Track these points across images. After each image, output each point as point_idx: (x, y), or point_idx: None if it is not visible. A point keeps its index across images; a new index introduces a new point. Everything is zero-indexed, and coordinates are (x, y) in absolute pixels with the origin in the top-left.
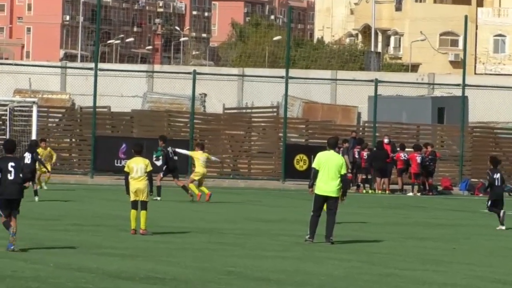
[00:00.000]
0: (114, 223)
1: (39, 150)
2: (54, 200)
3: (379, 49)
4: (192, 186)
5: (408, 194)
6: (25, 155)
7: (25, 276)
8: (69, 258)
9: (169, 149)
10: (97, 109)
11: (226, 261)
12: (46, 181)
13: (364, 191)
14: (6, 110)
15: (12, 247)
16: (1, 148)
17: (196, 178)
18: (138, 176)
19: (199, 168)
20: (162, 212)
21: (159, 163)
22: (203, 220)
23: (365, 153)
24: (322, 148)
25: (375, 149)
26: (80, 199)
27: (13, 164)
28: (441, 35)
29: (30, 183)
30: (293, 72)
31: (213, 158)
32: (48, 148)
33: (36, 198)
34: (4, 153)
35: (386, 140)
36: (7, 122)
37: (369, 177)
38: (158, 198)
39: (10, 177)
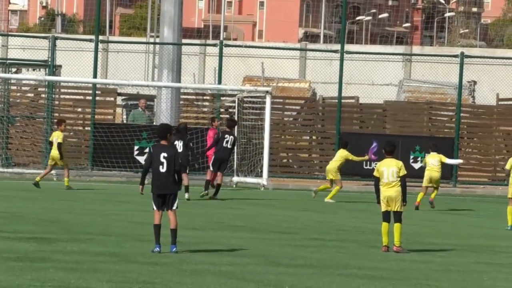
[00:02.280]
0: (363, 238)
1: (57, 134)
2: (291, 209)
3: None
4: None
5: None
6: (175, 142)
7: None
8: (309, 279)
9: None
10: (342, 101)
11: (498, 286)
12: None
13: None
14: (234, 102)
15: (174, 249)
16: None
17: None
18: (390, 181)
19: (428, 171)
20: (421, 226)
21: None
22: (470, 236)
23: None
24: None
25: None
26: (322, 209)
27: (165, 154)
28: None
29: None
30: None
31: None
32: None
33: (186, 195)
34: (159, 140)
35: None
36: (235, 116)
37: None
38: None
39: (162, 169)
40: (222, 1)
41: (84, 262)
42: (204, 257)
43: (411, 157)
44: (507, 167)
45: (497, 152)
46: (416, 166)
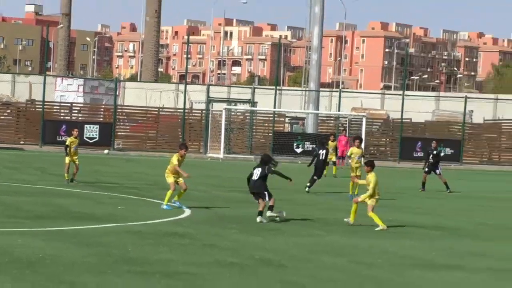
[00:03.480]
0: None
1: (71, 139)
2: None
3: None
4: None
5: None
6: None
7: (355, 225)
8: (384, 214)
9: None
10: (403, 120)
11: (484, 216)
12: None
13: None
14: (346, 121)
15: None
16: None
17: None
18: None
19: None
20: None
21: None
22: (470, 191)
23: None
24: None
25: None
26: None
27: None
28: None
29: None
30: None
31: None
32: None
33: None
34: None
35: None
36: (346, 128)
37: None
38: None
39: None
40: (341, 68)
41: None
42: (336, 202)
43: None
44: (348, 153)
45: (483, 147)
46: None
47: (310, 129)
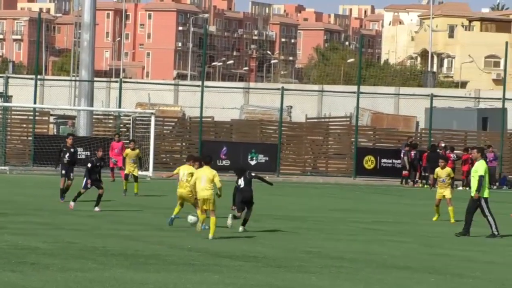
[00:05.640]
0: None
1: (128, 151)
2: (171, 192)
3: (435, 69)
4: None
5: (458, 188)
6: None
7: (144, 255)
8: (183, 239)
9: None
10: (203, 119)
11: (307, 243)
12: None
13: (420, 185)
14: (129, 120)
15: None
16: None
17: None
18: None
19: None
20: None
21: None
22: (289, 210)
23: (413, 153)
24: (387, 151)
25: (429, 151)
26: None
27: None
28: (486, 57)
29: None
30: (363, 88)
31: None
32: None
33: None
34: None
35: (442, 144)
36: (130, 130)
37: (426, 174)
38: None
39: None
40: (122, 52)
41: (28, 229)
42: (110, 225)
43: (249, 157)
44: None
45: (306, 153)
46: (253, 163)
47: (82, 131)
